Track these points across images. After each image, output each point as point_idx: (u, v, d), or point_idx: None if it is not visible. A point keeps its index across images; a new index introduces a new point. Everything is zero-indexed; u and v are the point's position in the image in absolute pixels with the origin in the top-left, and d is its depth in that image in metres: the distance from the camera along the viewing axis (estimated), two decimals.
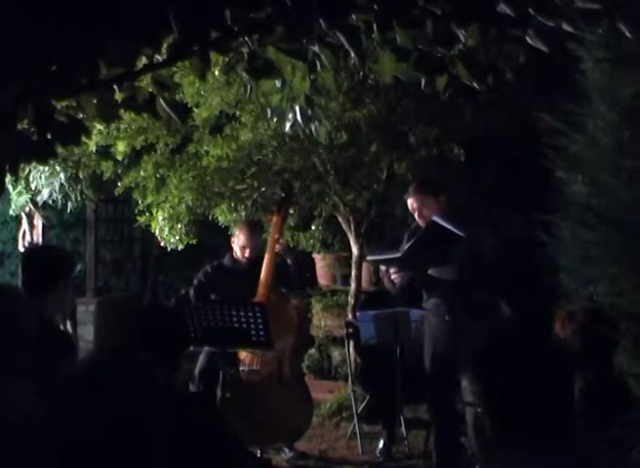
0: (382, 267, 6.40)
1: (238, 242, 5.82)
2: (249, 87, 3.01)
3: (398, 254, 4.94)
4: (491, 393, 1.71)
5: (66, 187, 7.44)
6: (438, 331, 4.98)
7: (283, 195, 5.90)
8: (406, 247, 4.89)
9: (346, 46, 2.50)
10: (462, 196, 6.50)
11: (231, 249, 5.95)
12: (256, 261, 5.68)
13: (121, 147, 6.40)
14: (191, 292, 5.83)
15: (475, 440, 1.75)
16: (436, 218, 4.79)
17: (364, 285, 7.32)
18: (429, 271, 4.99)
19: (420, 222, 5.04)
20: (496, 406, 1.71)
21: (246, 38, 2.60)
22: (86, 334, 8.19)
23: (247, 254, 5.78)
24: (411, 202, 5.07)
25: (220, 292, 5.67)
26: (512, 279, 4.98)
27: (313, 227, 7.32)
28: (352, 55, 2.54)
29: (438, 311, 5.00)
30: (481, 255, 4.82)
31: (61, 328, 4.68)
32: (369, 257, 5.29)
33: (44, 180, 7.33)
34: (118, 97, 2.64)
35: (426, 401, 5.79)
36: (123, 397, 1.75)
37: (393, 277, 5.07)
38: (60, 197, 7.49)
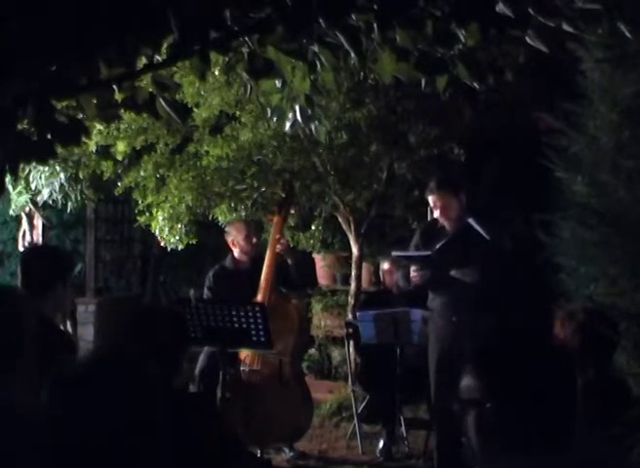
0: (385, 266, 6.42)
1: (240, 236, 5.81)
2: (249, 87, 3.01)
3: (427, 253, 4.91)
4: (492, 392, 1.71)
5: (66, 187, 7.44)
6: (444, 331, 4.96)
7: (284, 195, 5.90)
8: (437, 246, 4.84)
9: (346, 46, 2.50)
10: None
11: (231, 250, 5.94)
12: (256, 261, 5.69)
13: (121, 147, 6.40)
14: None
15: (475, 439, 1.75)
16: (472, 221, 4.76)
17: (364, 285, 7.32)
18: (452, 272, 4.96)
19: (442, 220, 5.02)
20: (497, 405, 1.71)
21: (246, 38, 2.60)
22: (86, 334, 8.20)
23: (254, 242, 5.79)
24: (434, 199, 5.02)
25: (222, 294, 5.67)
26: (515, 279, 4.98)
27: (313, 227, 7.31)
28: (352, 55, 2.54)
29: (445, 312, 4.99)
30: (502, 258, 4.80)
31: (61, 328, 4.68)
32: (394, 253, 5.22)
33: (44, 180, 7.34)
34: (118, 97, 2.64)
35: (427, 400, 5.81)
36: (121, 398, 1.75)
37: (413, 275, 5.05)
38: (60, 197, 7.49)
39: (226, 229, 6.00)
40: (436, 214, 5.04)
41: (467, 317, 4.77)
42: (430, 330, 5.19)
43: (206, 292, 5.87)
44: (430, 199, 5.04)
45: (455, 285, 4.94)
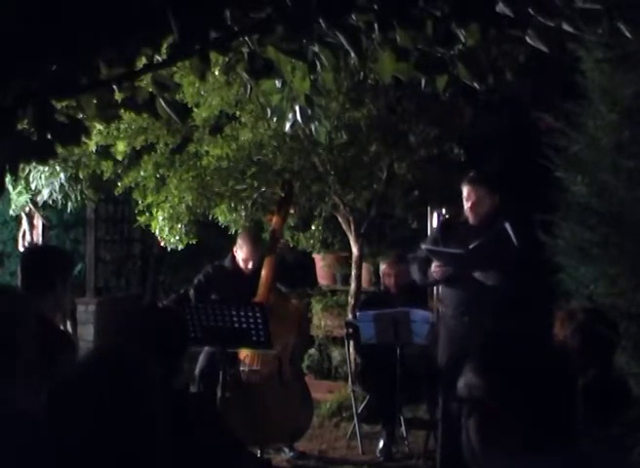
0: (385, 267, 6.42)
1: (241, 254, 5.86)
2: (249, 87, 3.01)
3: (460, 251, 4.85)
4: (493, 391, 1.71)
5: (66, 187, 7.43)
6: (455, 333, 4.93)
7: (283, 195, 5.90)
8: (471, 246, 4.80)
9: (346, 46, 2.50)
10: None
11: (232, 250, 5.97)
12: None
13: (121, 147, 6.40)
14: (191, 291, 5.84)
15: (476, 438, 1.75)
16: (507, 226, 4.72)
17: (364, 285, 7.32)
18: (475, 274, 4.91)
19: (469, 213, 4.98)
20: (498, 405, 1.71)
21: (246, 38, 2.60)
22: (86, 334, 8.19)
23: (250, 266, 5.81)
24: (468, 191, 4.98)
25: (220, 293, 5.68)
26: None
27: (313, 227, 7.31)
28: (352, 55, 2.54)
29: (457, 312, 4.96)
30: (525, 265, 4.75)
31: (61, 328, 4.67)
32: (424, 246, 5.11)
33: (44, 180, 7.33)
34: (118, 97, 2.64)
35: (428, 401, 5.81)
36: (121, 398, 1.75)
37: (435, 270, 5.00)
38: (60, 197, 7.49)
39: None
40: (466, 205, 4.99)
41: (479, 319, 4.72)
42: (441, 330, 5.17)
43: (194, 282, 5.88)
44: (465, 189, 4.99)
45: (472, 285, 4.90)
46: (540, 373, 1.72)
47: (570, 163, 4.31)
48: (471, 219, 5.00)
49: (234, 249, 5.96)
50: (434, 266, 5.00)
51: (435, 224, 7.55)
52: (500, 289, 4.80)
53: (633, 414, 3.07)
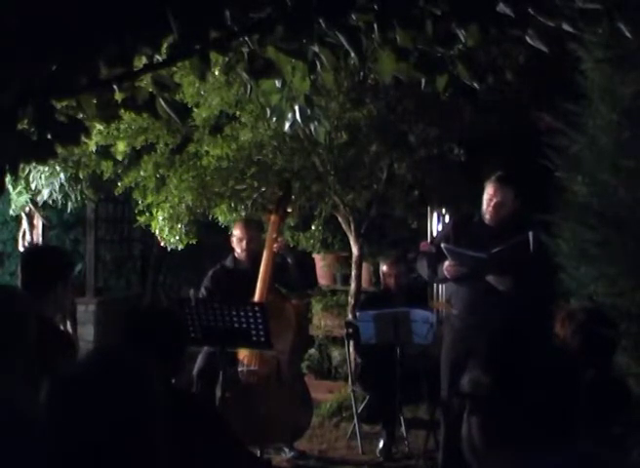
0: (385, 268, 6.42)
1: (235, 236, 5.86)
2: (249, 87, 3.01)
3: (483, 256, 4.77)
4: (497, 389, 1.71)
5: (66, 187, 7.43)
6: (460, 334, 4.91)
7: (281, 194, 5.90)
8: (494, 250, 4.73)
9: (346, 46, 2.50)
10: (463, 197, 6.51)
11: (232, 249, 5.96)
12: (257, 261, 5.68)
13: (121, 147, 6.40)
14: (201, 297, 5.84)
15: (478, 436, 1.74)
16: (531, 235, 4.67)
17: (364, 285, 7.32)
18: (489, 277, 4.85)
19: (488, 213, 4.91)
20: (502, 403, 1.71)
21: (246, 38, 2.60)
22: (86, 334, 8.19)
23: (244, 246, 5.79)
24: (494, 189, 4.88)
25: (222, 293, 5.67)
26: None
27: (313, 227, 7.31)
28: (352, 55, 2.54)
29: (466, 315, 4.94)
30: (540, 274, 4.70)
31: (61, 328, 4.68)
32: (444, 245, 4.95)
33: (44, 180, 7.33)
34: (118, 97, 2.64)
35: (428, 401, 5.80)
36: (121, 398, 1.75)
37: (448, 268, 4.92)
38: (59, 197, 7.49)
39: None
40: (486, 204, 4.91)
41: (486, 320, 4.68)
42: (447, 330, 5.15)
43: (202, 292, 5.88)
44: (490, 188, 4.89)
45: (482, 286, 4.85)
46: (543, 373, 1.72)
47: (570, 163, 4.31)
48: (488, 219, 4.93)
49: (231, 240, 5.95)
50: (448, 265, 4.93)
51: (435, 224, 7.57)
52: (510, 294, 4.78)
53: (633, 414, 3.07)
